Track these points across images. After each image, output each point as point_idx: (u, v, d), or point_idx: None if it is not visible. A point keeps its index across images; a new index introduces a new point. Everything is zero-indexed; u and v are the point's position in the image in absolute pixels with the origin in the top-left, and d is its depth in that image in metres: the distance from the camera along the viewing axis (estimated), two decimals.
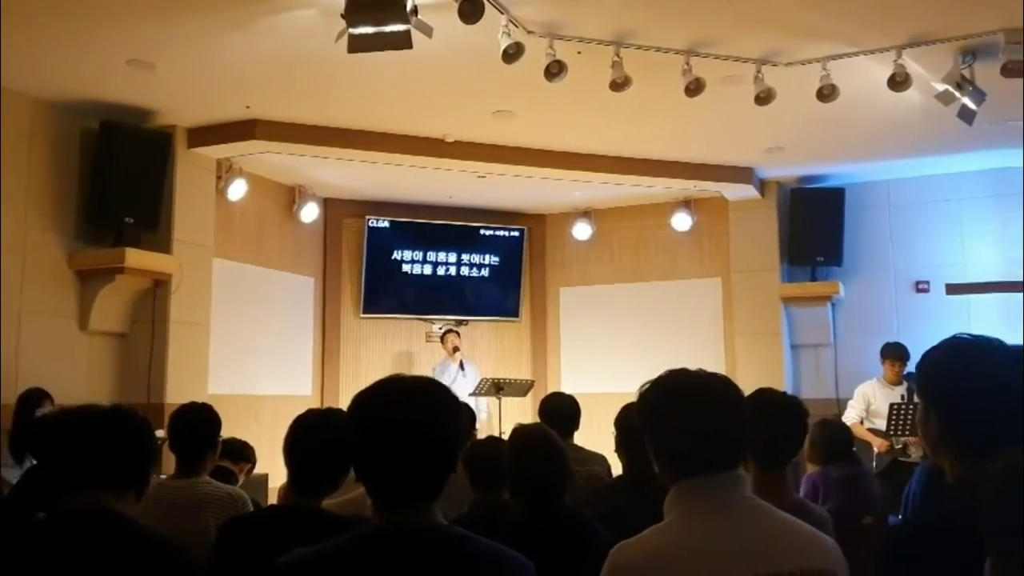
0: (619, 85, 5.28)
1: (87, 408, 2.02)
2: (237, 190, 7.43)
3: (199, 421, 3.29)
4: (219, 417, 3.34)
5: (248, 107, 6.39)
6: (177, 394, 6.16)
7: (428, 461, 1.56)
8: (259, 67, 5.58)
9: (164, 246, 6.54)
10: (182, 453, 3.23)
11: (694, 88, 5.39)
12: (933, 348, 1.66)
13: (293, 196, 8.40)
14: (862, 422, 6.85)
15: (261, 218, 8.07)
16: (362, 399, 1.61)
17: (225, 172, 7.35)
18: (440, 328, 9.05)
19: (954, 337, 1.64)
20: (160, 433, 3.03)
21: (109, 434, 1.97)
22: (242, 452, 4.24)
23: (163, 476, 3.54)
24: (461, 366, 8.28)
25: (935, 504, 1.77)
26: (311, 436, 2.46)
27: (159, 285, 6.52)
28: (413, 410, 1.56)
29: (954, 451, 1.60)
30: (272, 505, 3.68)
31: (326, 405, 6.39)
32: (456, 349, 8.40)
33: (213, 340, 6.95)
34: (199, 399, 3.70)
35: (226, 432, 3.50)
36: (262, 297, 7.98)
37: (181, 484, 3.17)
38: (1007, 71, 5.06)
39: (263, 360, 7.89)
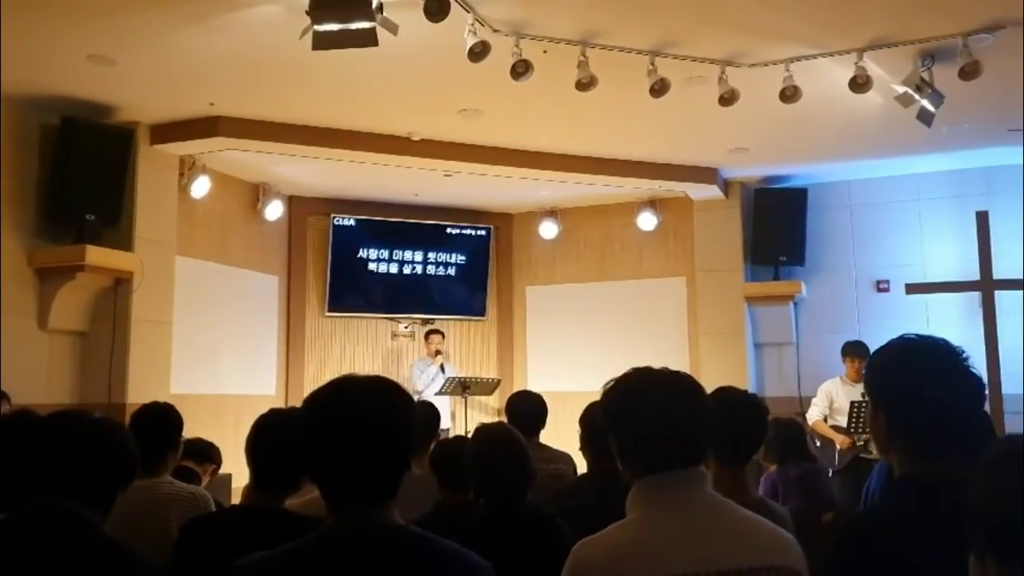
0: (585, 85, 5.30)
1: (71, 414, 2.04)
2: (200, 187, 7.35)
3: (161, 421, 3.25)
4: (181, 417, 3.30)
5: (212, 104, 6.33)
6: (139, 394, 6.08)
7: (384, 460, 1.55)
8: (223, 63, 5.53)
9: (126, 244, 6.46)
10: (143, 453, 3.18)
11: (659, 89, 5.43)
12: (880, 349, 1.71)
13: (257, 194, 8.33)
14: (825, 419, 6.95)
15: (225, 216, 7.99)
16: (316, 399, 1.60)
17: (188, 169, 7.27)
18: (406, 327, 9.03)
19: (900, 338, 1.68)
20: None
21: (90, 443, 1.98)
22: (206, 453, 4.19)
23: None
24: (442, 368, 8.27)
25: (886, 498, 1.80)
26: (272, 436, 2.45)
27: (120, 283, 6.44)
28: (368, 409, 1.55)
29: (902, 448, 1.64)
30: (234, 505, 3.65)
31: (290, 405, 6.36)
32: (439, 352, 8.39)
33: (176, 339, 6.87)
34: (161, 399, 3.66)
35: (189, 432, 3.47)
36: (226, 296, 7.91)
37: (142, 484, 3.11)
38: (965, 74, 5.16)
39: (227, 359, 7.82)
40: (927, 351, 1.64)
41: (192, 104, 6.33)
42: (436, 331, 8.64)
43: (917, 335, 1.66)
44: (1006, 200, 7.76)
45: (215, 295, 7.76)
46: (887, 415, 1.65)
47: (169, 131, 6.68)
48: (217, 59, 5.45)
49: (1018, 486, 1.02)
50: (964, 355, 1.63)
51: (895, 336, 1.71)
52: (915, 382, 1.61)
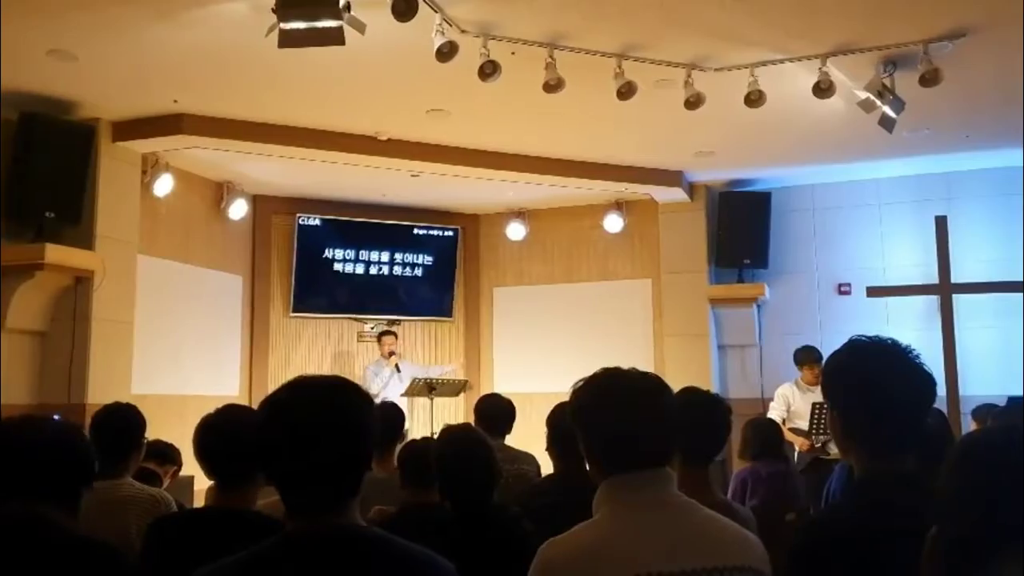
0: (552, 87, 5.32)
1: (24, 419, 2.05)
2: (163, 185, 7.27)
3: (122, 422, 3.22)
4: (143, 418, 3.27)
5: (175, 101, 6.26)
6: (99, 394, 5.99)
7: (342, 462, 1.53)
8: (187, 60, 5.47)
9: (86, 242, 6.36)
10: (104, 454, 3.13)
11: (626, 91, 5.46)
12: (834, 352, 1.75)
13: (221, 192, 8.25)
14: (784, 423, 7.02)
15: (188, 214, 7.90)
16: (273, 401, 1.58)
17: (151, 167, 7.18)
18: (372, 328, 8.98)
19: (852, 340, 1.72)
20: None
21: (48, 446, 1.98)
22: (167, 454, 4.15)
23: None
24: (397, 368, 8.22)
25: (847, 497, 1.84)
26: (216, 436, 2.43)
27: (81, 282, 6.35)
28: (325, 411, 1.53)
29: (859, 448, 1.67)
30: (196, 508, 3.61)
31: (254, 405, 6.29)
32: (392, 353, 8.34)
33: (137, 339, 6.79)
34: (122, 399, 3.61)
35: (151, 433, 3.43)
36: (189, 295, 7.82)
37: (103, 486, 3.07)
38: (925, 81, 5.25)
39: (189, 359, 7.73)
40: (879, 351, 1.68)
41: (155, 101, 6.25)
42: (389, 332, 8.59)
43: (868, 337, 1.70)
44: (964, 205, 7.92)
45: (178, 294, 7.67)
46: (843, 416, 1.69)
47: (132, 128, 6.59)
48: (181, 56, 5.39)
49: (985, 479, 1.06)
50: (914, 354, 1.67)
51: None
52: (868, 382, 1.65)
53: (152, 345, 7.09)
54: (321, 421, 1.52)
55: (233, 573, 1.50)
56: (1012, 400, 4.69)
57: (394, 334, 8.57)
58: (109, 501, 2.99)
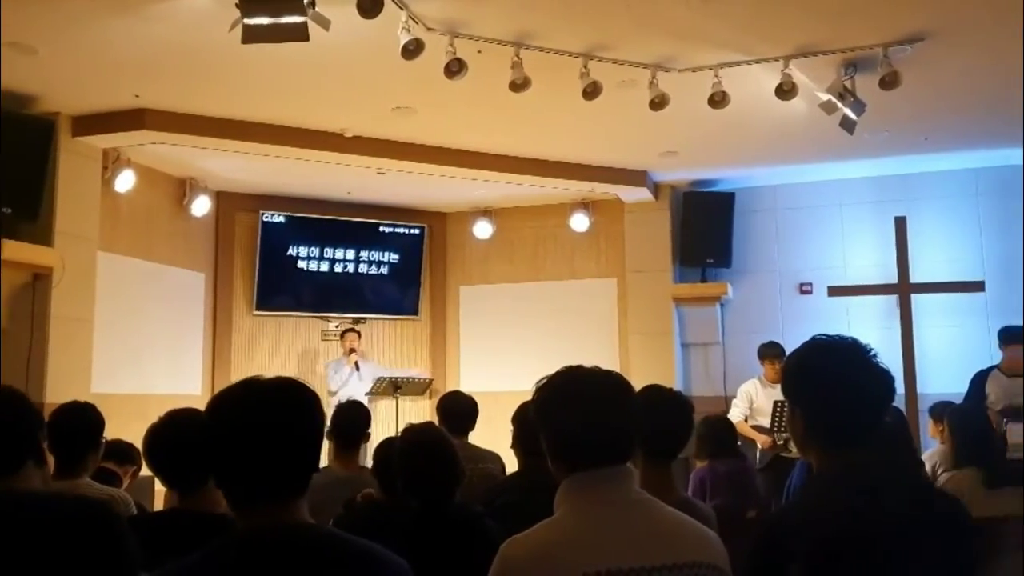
0: (519, 86, 5.33)
1: None
2: (124, 181, 7.17)
3: (80, 421, 3.18)
4: (102, 417, 3.23)
5: (137, 96, 6.17)
6: (58, 393, 5.89)
7: (289, 461, 1.53)
8: (150, 54, 5.40)
9: (45, 238, 6.26)
10: (62, 454, 3.10)
11: (591, 91, 5.48)
12: (794, 351, 1.78)
13: (184, 189, 8.15)
14: (746, 420, 7.10)
15: (150, 211, 7.80)
16: (221, 401, 1.58)
17: (112, 162, 7.08)
18: (337, 326, 8.93)
19: (812, 339, 1.76)
20: None
21: None
22: (127, 454, 4.10)
23: None
24: (356, 367, 8.17)
25: (806, 493, 1.87)
26: (164, 446, 2.40)
27: (39, 279, 6.24)
28: (272, 410, 1.53)
29: (820, 444, 1.70)
30: (158, 511, 3.58)
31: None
32: (353, 350, 8.30)
33: (98, 337, 6.69)
34: (82, 398, 3.55)
35: (112, 433, 3.39)
36: (150, 293, 7.72)
37: (60, 486, 3.04)
38: (885, 84, 5.33)
39: (151, 358, 7.64)
40: (838, 350, 1.72)
41: (116, 95, 6.16)
42: (352, 330, 8.55)
43: (828, 335, 1.74)
44: (923, 206, 8.06)
45: (139, 292, 7.57)
46: (804, 413, 1.72)
47: (92, 123, 6.49)
48: (144, 50, 5.31)
49: None
50: (873, 352, 1.70)
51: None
52: (828, 380, 1.69)
53: (113, 343, 6.99)
54: (268, 420, 1.52)
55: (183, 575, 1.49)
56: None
57: (357, 332, 8.53)
58: None
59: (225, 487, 1.55)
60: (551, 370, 1.86)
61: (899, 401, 6.53)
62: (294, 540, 1.51)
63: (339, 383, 8.05)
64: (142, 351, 7.53)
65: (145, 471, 4.36)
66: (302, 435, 1.56)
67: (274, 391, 1.58)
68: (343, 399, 5.65)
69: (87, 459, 3.14)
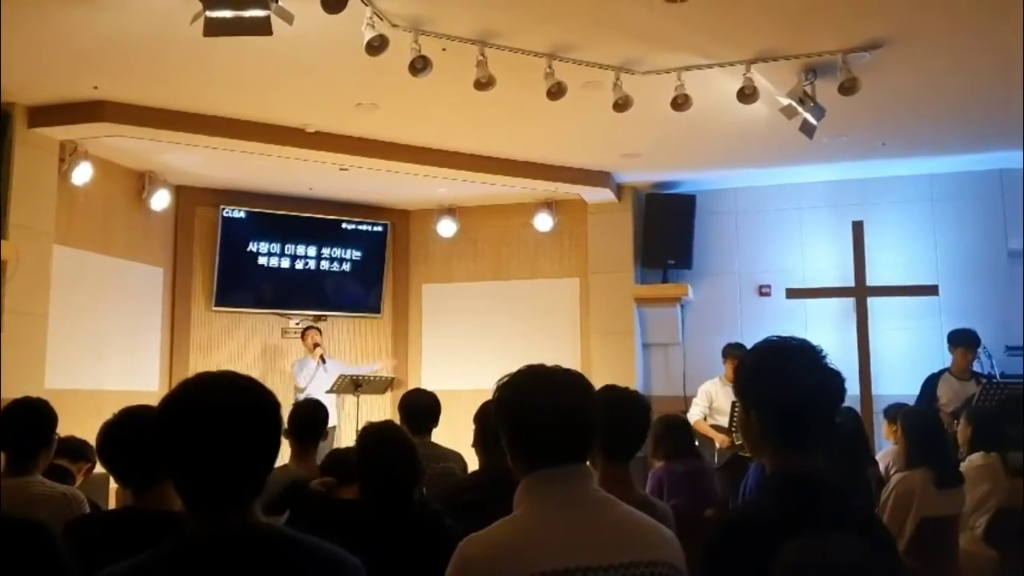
0: (483, 84, 5.32)
1: None
2: (82, 174, 7.04)
3: (32, 416, 3.12)
4: (55, 412, 3.17)
5: (96, 87, 6.07)
6: (11, 388, 5.73)
7: (244, 461, 1.51)
8: (109, 45, 5.31)
9: None
10: (13, 450, 3.05)
11: (556, 92, 5.50)
12: (748, 353, 1.81)
13: (143, 182, 8.04)
14: (705, 419, 7.17)
15: (108, 204, 7.68)
16: (172, 400, 1.55)
17: (69, 155, 6.95)
18: (298, 323, 8.86)
19: (765, 341, 1.78)
20: None
21: None
22: (81, 451, 4.04)
23: None
24: (323, 360, 8.13)
25: (759, 493, 1.90)
26: (117, 443, 2.37)
27: None
28: (226, 409, 1.51)
29: (774, 446, 1.73)
30: (112, 509, 3.53)
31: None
32: (316, 345, 8.25)
33: (52, 332, 6.57)
34: (35, 394, 3.49)
35: (67, 429, 3.33)
36: (107, 287, 7.61)
37: (11, 484, 2.99)
38: (844, 89, 5.42)
39: (107, 354, 7.52)
40: (790, 352, 1.74)
41: (74, 86, 6.05)
42: (312, 327, 8.51)
43: (780, 337, 1.77)
44: (880, 211, 8.20)
45: (96, 287, 7.46)
46: (758, 414, 1.74)
47: (49, 114, 6.38)
48: (103, 40, 5.23)
49: None
50: (824, 354, 1.73)
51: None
52: (780, 380, 1.71)
53: (68, 338, 6.88)
54: (221, 420, 1.50)
55: (134, 574, 1.47)
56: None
57: (318, 329, 8.49)
58: (18, 500, 2.90)
59: (180, 488, 1.53)
60: (513, 369, 1.87)
61: (854, 402, 6.63)
62: (249, 542, 1.49)
63: (307, 379, 8.01)
64: (98, 347, 7.41)
65: (100, 468, 4.33)
66: (259, 437, 1.54)
67: (231, 391, 1.55)
68: (311, 395, 5.62)
69: (39, 456, 3.08)
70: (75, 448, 3.98)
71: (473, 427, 3.28)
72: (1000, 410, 5.14)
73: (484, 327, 9.12)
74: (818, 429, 1.69)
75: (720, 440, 6.91)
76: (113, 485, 5.17)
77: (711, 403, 7.22)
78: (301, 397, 7.04)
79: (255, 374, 1.92)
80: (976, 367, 6.84)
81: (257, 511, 1.54)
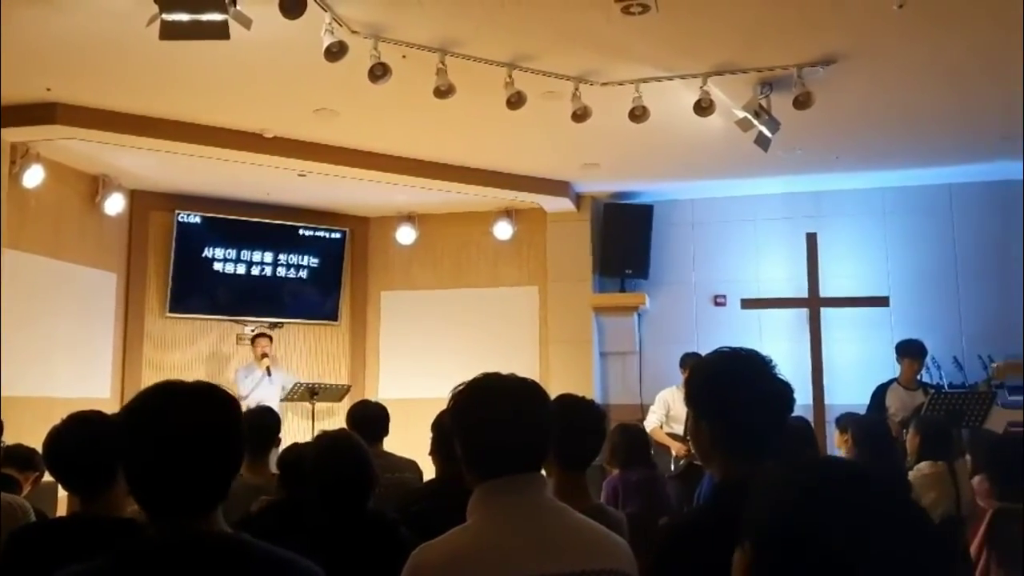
0: (443, 92, 5.33)
1: None
2: (33, 177, 6.90)
3: None
4: (0, 420, 3.11)
5: (49, 89, 5.97)
6: None
7: (207, 469, 1.51)
8: (63, 46, 5.23)
9: None
10: None
11: (515, 101, 5.53)
12: (698, 363, 1.83)
13: (97, 186, 7.90)
14: (662, 427, 7.22)
15: (60, 208, 7.54)
16: (134, 407, 1.55)
17: (20, 157, 6.81)
18: (253, 330, 8.75)
19: (715, 351, 1.81)
20: None
21: None
22: (28, 459, 3.96)
23: None
24: (268, 372, 7.99)
25: (708, 502, 1.92)
26: (63, 451, 2.34)
27: None
28: (190, 417, 1.51)
29: (723, 455, 1.76)
30: (59, 516, 3.46)
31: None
32: (264, 355, 8.12)
33: (2, 338, 6.42)
34: None
35: (16, 437, 3.27)
36: (58, 293, 7.46)
37: None
38: (799, 103, 5.52)
39: (58, 360, 7.37)
40: (739, 362, 1.77)
41: (26, 88, 5.94)
42: (264, 335, 8.38)
43: (730, 348, 1.79)
44: (833, 223, 8.35)
45: (47, 292, 7.31)
46: (708, 424, 1.77)
47: None
48: (56, 41, 5.14)
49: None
50: (772, 364, 1.76)
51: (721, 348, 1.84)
52: (729, 391, 1.74)
53: (18, 344, 6.72)
54: (185, 428, 1.49)
55: None
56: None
57: (269, 337, 8.34)
58: None
59: (143, 496, 1.51)
60: (470, 377, 1.87)
61: (807, 411, 6.74)
62: (211, 549, 1.49)
63: (249, 387, 7.85)
64: (49, 353, 7.26)
65: (48, 477, 4.24)
66: (225, 444, 1.54)
67: (195, 399, 1.55)
68: (252, 405, 5.53)
69: None
70: (23, 457, 3.90)
71: (431, 435, 3.28)
72: (948, 420, 5.26)
73: (443, 335, 9.09)
74: (767, 438, 1.72)
75: (676, 448, 6.96)
76: (62, 495, 5.07)
77: (668, 411, 7.26)
78: (242, 406, 6.93)
79: (206, 381, 1.91)
80: (925, 377, 6.98)
81: (219, 518, 1.53)
